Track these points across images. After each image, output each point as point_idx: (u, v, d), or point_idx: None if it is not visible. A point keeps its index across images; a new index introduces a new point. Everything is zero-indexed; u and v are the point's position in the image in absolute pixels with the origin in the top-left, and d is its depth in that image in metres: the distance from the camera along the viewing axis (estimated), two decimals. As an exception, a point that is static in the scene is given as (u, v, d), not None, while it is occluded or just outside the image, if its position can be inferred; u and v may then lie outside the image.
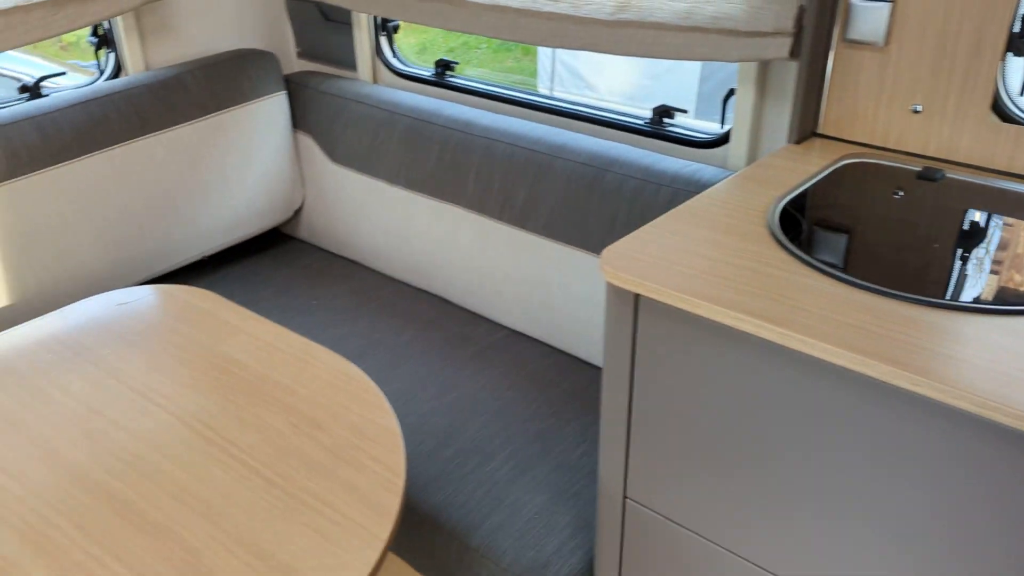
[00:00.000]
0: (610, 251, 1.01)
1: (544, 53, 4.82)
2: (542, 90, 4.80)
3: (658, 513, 1.06)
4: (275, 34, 2.13)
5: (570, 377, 1.58)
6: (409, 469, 1.37)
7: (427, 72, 1.98)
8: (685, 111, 1.63)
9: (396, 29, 2.04)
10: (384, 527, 0.94)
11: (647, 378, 1.00)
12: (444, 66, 1.96)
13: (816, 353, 0.84)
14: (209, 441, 1.07)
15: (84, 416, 1.12)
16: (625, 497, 1.08)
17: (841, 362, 0.83)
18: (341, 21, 2.03)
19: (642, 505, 1.07)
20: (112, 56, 1.88)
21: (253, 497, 0.98)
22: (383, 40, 2.02)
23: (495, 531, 1.25)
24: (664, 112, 1.62)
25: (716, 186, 1.19)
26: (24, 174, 1.59)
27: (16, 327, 1.32)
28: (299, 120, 2.04)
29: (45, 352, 1.25)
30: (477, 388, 1.54)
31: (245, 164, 1.94)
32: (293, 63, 2.20)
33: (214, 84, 1.87)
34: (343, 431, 1.09)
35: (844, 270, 0.95)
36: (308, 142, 2.03)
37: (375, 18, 2.00)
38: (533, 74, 5.08)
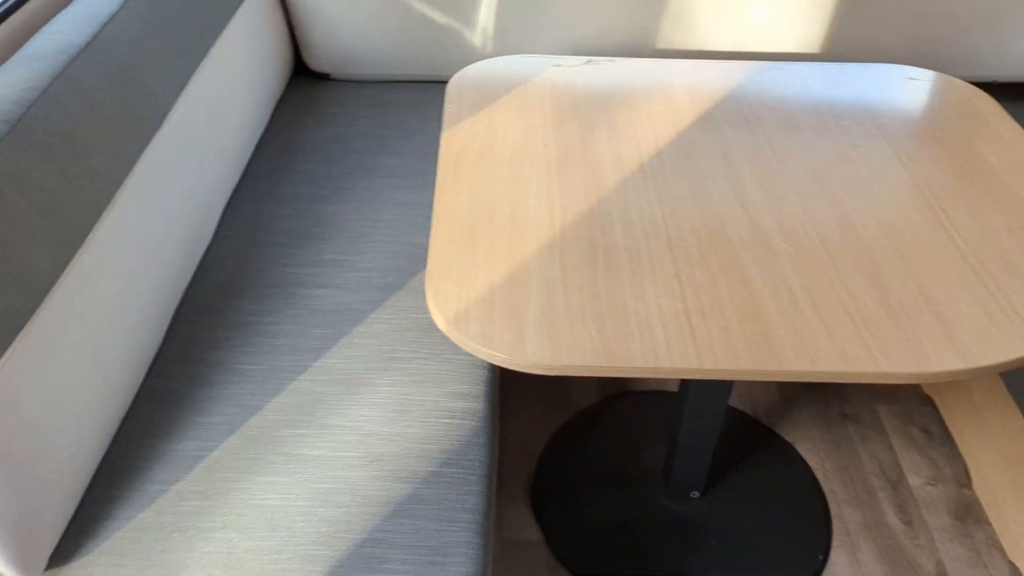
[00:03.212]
0: None
1: None
2: None
3: None
4: None
5: None
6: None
7: None
8: None
9: None
10: (1045, 337, 0.98)
11: None
12: None
13: None
14: (929, 206, 1.20)
15: (839, 152, 1.34)
16: None
17: None
18: None
19: None
20: None
21: (942, 259, 1.10)
22: None
23: None
24: None
25: None
26: None
27: (818, 64, 1.58)
28: None
29: (839, 93, 1.49)
30: None
31: None
32: None
33: None
34: (1053, 254, 1.11)
35: None
36: None
37: None
38: None
